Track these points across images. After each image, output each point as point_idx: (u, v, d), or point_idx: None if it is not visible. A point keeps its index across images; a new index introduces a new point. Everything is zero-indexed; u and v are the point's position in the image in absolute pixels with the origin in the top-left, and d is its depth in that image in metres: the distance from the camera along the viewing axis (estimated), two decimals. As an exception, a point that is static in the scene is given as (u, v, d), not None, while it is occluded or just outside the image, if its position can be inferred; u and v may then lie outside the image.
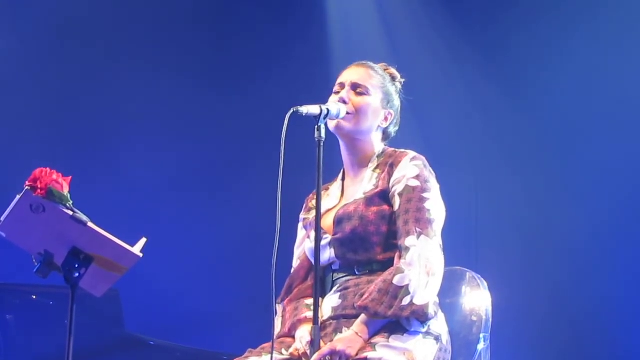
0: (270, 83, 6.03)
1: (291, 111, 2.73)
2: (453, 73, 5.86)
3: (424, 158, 2.94)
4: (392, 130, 3.06)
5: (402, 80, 3.09)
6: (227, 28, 6.19)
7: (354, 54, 3.14)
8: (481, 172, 5.67)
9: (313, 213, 2.84)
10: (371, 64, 3.05)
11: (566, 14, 5.56)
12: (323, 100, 2.91)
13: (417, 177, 2.86)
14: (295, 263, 3.06)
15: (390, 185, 2.88)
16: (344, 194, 3.01)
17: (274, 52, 6.14)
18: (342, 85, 2.99)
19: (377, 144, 3.02)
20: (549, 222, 5.55)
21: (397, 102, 3.05)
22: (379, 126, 3.01)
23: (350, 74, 3.01)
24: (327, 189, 3.08)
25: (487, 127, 5.73)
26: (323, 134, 2.78)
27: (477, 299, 3.20)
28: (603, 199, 5.40)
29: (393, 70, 3.09)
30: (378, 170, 2.94)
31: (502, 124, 5.70)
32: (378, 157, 2.98)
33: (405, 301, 2.69)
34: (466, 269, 3.27)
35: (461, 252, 3.19)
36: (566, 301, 5.43)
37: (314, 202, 2.79)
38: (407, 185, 2.85)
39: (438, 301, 2.83)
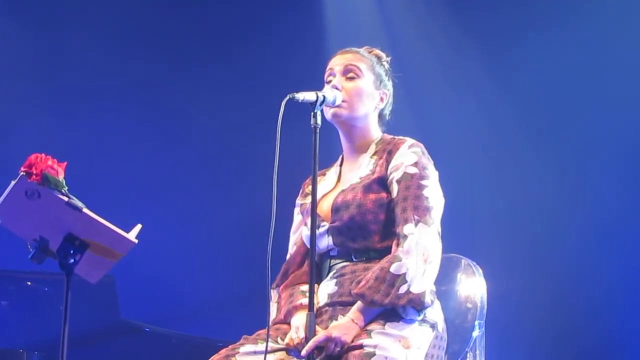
0: (268, 69, 6.02)
1: (287, 98, 2.71)
2: (449, 59, 5.85)
3: (422, 145, 2.92)
4: (387, 111, 3.04)
5: (389, 59, 3.07)
6: (224, 17, 6.18)
7: (350, 43, 3.12)
8: (477, 158, 5.67)
9: (309, 198, 2.82)
10: (355, 48, 3.04)
11: (569, 9, 5.55)
12: (317, 87, 2.90)
13: (416, 164, 2.84)
14: (292, 249, 3.05)
15: (388, 172, 2.86)
16: (341, 179, 3.00)
17: (273, 39, 6.13)
18: (332, 72, 2.97)
19: (374, 130, 3.00)
20: (545, 210, 5.55)
21: (389, 82, 3.04)
22: (375, 107, 2.99)
23: (338, 59, 2.99)
24: (324, 174, 3.07)
25: (484, 114, 5.72)
26: (319, 121, 2.76)
27: (473, 286, 3.20)
28: (601, 187, 5.40)
29: (377, 51, 3.07)
30: (376, 157, 2.93)
31: (499, 111, 5.69)
32: (376, 143, 2.97)
33: (402, 289, 2.68)
34: (461, 256, 3.27)
35: (456, 239, 3.19)
36: (562, 289, 5.44)
37: (310, 187, 2.78)
38: (405, 173, 2.83)
39: (435, 289, 2.82)
